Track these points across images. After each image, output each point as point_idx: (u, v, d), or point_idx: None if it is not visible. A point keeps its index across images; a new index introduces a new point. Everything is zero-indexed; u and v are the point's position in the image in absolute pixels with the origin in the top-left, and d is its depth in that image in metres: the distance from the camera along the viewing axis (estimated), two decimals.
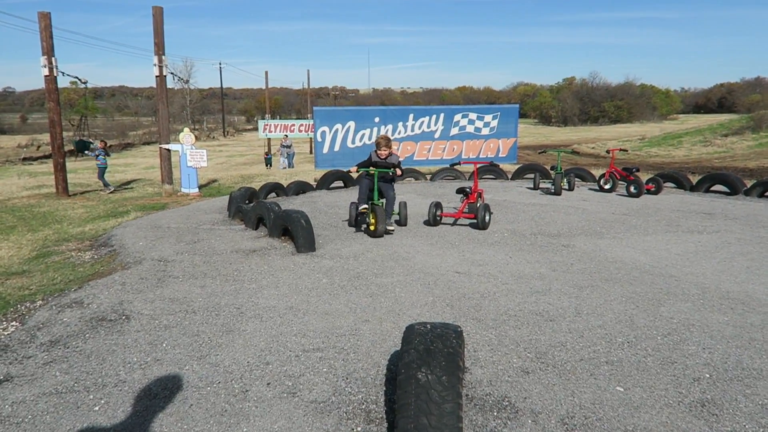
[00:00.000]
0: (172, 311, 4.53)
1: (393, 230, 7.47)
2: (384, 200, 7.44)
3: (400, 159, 7.99)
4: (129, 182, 19.06)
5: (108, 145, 16.90)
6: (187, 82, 63.33)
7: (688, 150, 33.04)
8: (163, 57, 13.26)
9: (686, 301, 4.66)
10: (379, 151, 7.38)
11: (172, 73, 17.59)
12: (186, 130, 14.16)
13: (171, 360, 3.63)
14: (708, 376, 3.33)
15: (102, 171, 15.78)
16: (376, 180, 7.34)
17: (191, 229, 8.08)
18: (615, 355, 3.63)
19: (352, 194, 11.57)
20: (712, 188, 11.51)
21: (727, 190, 11.14)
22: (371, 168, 7.40)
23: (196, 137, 15.95)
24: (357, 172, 7.58)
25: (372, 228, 7.16)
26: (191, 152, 13.55)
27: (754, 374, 3.35)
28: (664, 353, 3.65)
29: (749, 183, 11.14)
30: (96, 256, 6.82)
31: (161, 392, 3.21)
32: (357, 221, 7.72)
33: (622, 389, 3.18)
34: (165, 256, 6.39)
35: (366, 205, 7.43)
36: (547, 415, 2.92)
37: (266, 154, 29.43)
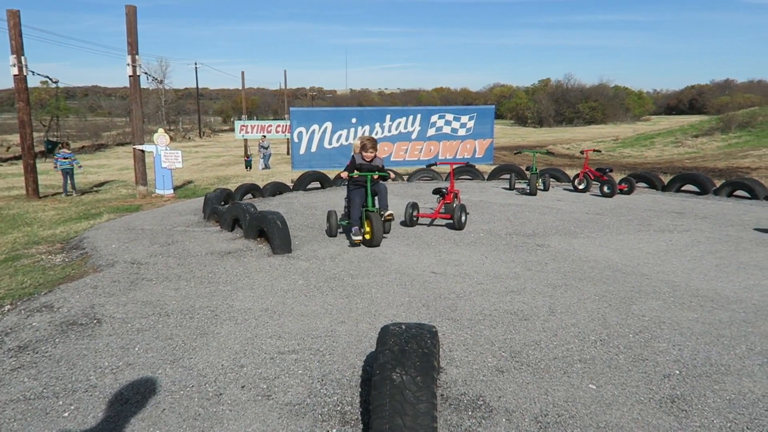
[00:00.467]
0: (145, 314, 4.46)
1: (391, 213, 6.86)
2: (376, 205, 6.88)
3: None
4: (102, 184, 18.75)
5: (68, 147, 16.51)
6: (161, 82, 62.52)
7: (660, 150, 33.68)
8: (137, 56, 13.07)
9: (657, 299, 4.74)
10: (365, 154, 6.90)
11: (146, 73, 17.35)
12: (160, 130, 13.98)
13: (143, 364, 3.57)
14: (678, 372, 3.40)
15: (70, 173, 15.48)
16: (369, 185, 6.75)
17: (165, 230, 7.97)
18: (588, 353, 3.68)
19: (329, 195, 11.55)
20: (683, 188, 11.75)
21: (698, 190, 11.39)
22: (356, 172, 6.80)
23: (171, 138, 15.75)
24: (348, 177, 6.85)
25: (368, 237, 6.65)
26: (166, 153, 13.37)
27: (722, 370, 3.42)
28: (635, 350, 3.71)
29: (718, 183, 11.39)
30: (67, 259, 6.68)
31: (133, 397, 3.16)
32: (342, 229, 7.32)
33: (594, 387, 3.22)
34: (138, 258, 6.30)
35: (360, 237, 6.72)
36: (521, 413, 2.95)
37: (247, 156, 29.28)
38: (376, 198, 6.86)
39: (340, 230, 7.45)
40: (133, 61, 13.02)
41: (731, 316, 4.34)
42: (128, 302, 4.76)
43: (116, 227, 8.37)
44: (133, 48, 12.98)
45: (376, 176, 6.75)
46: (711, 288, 5.05)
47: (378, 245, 6.61)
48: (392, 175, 7.12)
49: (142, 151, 13.58)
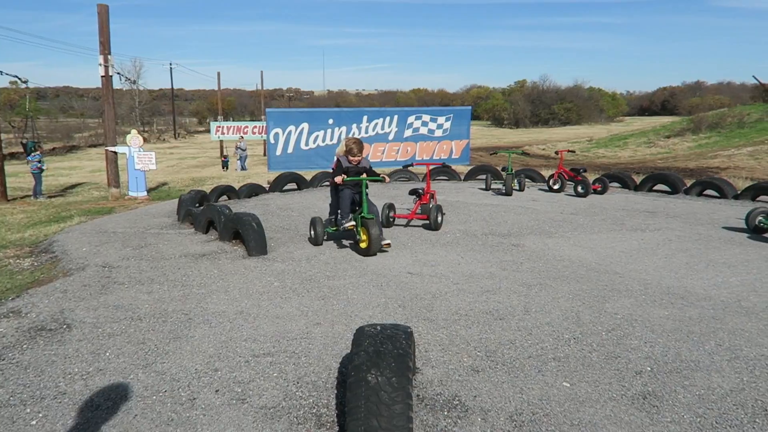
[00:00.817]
0: (116, 319, 4.38)
1: (389, 243, 6.50)
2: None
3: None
4: (73, 186, 18.40)
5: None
6: (134, 82, 61.53)
7: (633, 151, 34.26)
8: (109, 56, 12.85)
9: (629, 297, 4.81)
10: (352, 158, 6.53)
11: (118, 73, 17.07)
12: (133, 132, 13.77)
13: (115, 369, 3.51)
14: (649, 369, 3.45)
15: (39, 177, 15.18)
16: (364, 190, 6.38)
17: (138, 233, 7.85)
18: (562, 351, 3.72)
19: (306, 197, 11.49)
20: (655, 188, 11.96)
21: (669, 190, 11.60)
22: (344, 175, 6.46)
23: (145, 139, 15.53)
24: (343, 182, 6.39)
25: (363, 245, 6.23)
26: (139, 155, 13.18)
27: (692, 366, 3.49)
28: (608, 348, 3.76)
29: (689, 182, 11.62)
30: (36, 263, 6.53)
31: (104, 403, 3.10)
32: (331, 236, 6.97)
33: (568, 384, 3.26)
34: (110, 261, 6.19)
35: (353, 221, 6.41)
36: (497, 412, 2.96)
37: (224, 157, 29.02)
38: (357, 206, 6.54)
39: (326, 238, 7.09)
40: (105, 61, 12.80)
41: (701, 313, 4.43)
42: (99, 306, 4.67)
43: (87, 230, 8.21)
44: (105, 48, 12.76)
45: (347, 179, 6.42)
46: (681, 286, 5.15)
47: (374, 255, 6.20)
48: (387, 179, 6.79)
49: (115, 153, 13.36)
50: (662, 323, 4.20)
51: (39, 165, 14.91)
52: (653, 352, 3.70)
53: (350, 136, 7.45)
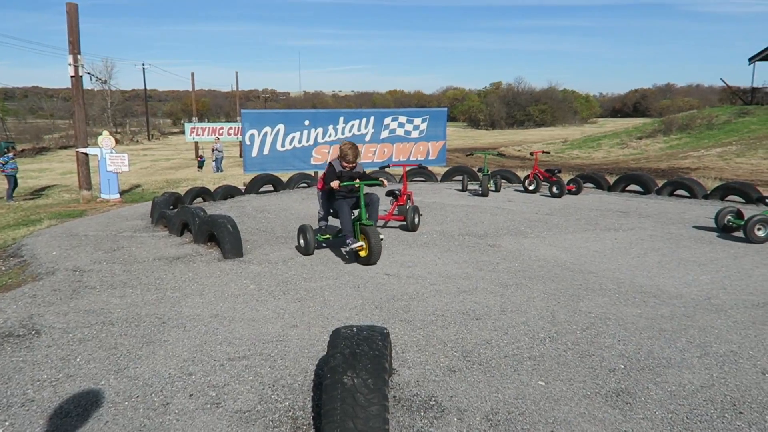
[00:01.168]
0: (87, 324, 4.29)
1: (381, 238, 6.00)
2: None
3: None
4: (43, 189, 18.00)
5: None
6: (105, 82, 60.52)
7: (607, 152, 34.79)
8: (79, 56, 12.60)
9: (603, 296, 4.88)
10: (346, 164, 6.18)
11: (89, 74, 16.76)
12: (105, 133, 13.53)
13: (85, 375, 3.43)
14: (622, 366, 3.50)
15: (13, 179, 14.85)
16: (362, 195, 6.06)
17: (111, 236, 7.70)
18: (537, 350, 3.75)
19: (282, 199, 11.42)
20: (628, 188, 12.16)
21: (641, 190, 11.81)
22: (345, 182, 6.08)
23: (117, 141, 15.27)
24: (339, 187, 6.04)
25: (363, 254, 5.90)
26: (111, 156, 12.95)
27: (664, 363, 3.55)
28: (582, 347, 3.80)
29: (660, 183, 11.84)
30: (3, 268, 6.36)
31: (74, 410, 3.03)
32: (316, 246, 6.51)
33: (543, 383, 3.29)
34: (81, 265, 6.06)
35: (361, 243, 5.88)
36: (473, 412, 2.97)
37: (200, 157, 28.71)
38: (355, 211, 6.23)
39: (316, 246, 6.66)
40: (75, 61, 12.55)
41: (672, 310, 4.51)
42: (69, 311, 4.57)
43: (58, 233, 8.04)
44: (74, 47, 12.51)
45: (357, 184, 6.10)
46: (653, 284, 5.23)
47: (375, 263, 5.92)
48: (385, 183, 6.53)
49: (86, 155, 13.10)
50: (635, 321, 4.27)
51: (15, 167, 14.66)
52: (626, 349, 3.75)
53: (345, 140, 6.96)
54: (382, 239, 6.01)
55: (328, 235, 6.50)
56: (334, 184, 6.00)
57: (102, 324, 4.28)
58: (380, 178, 6.55)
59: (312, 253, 6.41)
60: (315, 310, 4.55)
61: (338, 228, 6.26)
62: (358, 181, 6.12)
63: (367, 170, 14.92)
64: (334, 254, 6.41)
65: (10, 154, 15.33)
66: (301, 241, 6.46)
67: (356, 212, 6.24)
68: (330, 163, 6.30)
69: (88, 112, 14.32)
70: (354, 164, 6.24)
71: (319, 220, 6.62)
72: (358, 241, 5.91)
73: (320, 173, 14.18)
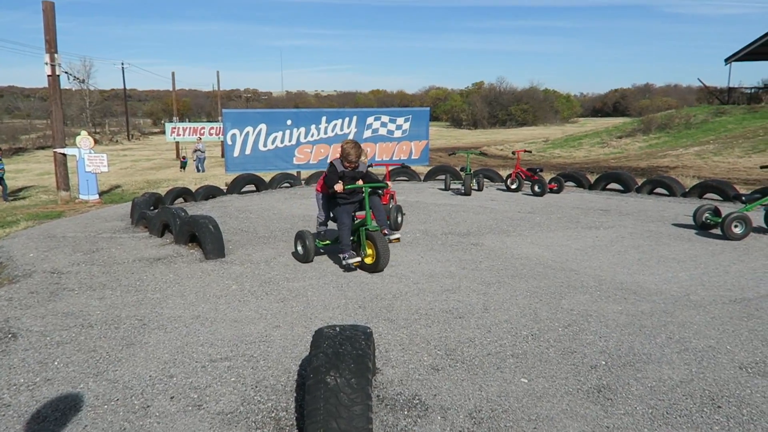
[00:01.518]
0: (65, 326, 4.22)
1: (398, 238, 5.92)
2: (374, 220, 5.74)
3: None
4: (20, 189, 17.70)
5: None
6: (83, 81, 59.64)
7: (588, 151, 35.14)
8: (56, 55, 12.39)
9: (585, 293, 4.92)
10: (348, 163, 5.80)
11: (66, 73, 16.51)
12: (83, 133, 13.32)
13: (64, 379, 3.37)
14: (604, 363, 3.54)
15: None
16: (367, 199, 5.68)
17: (90, 238, 7.59)
18: (520, 347, 3.77)
19: (265, 199, 11.35)
20: (608, 186, 12.29)
21: (621, 188, 11.94)
22: (341, 183, 5.68)
23: (96, 141, 15.04)
24: (343, 190, 5.64)
25: (370, 261, 5.55)
26: (90, 156, 12.76)
27: (644, 359, 3.59)
28: (564, 344, 3.83)
29: (640, 181, 11.99)
30: None
31: (52, 414, 2.97)
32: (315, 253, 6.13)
33: (526, 380, 3.30)
34: (59, 267, 5.96)
35: (358, 258, 5.60)
36: (456, 410, 2.98)
37: (183, 158, 28.48)
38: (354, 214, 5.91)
39: (315, 253, 6.23)
40: (52, 60, 12.34)
41: (652, 307, 4.56)
42: (47, 314, 4.49)
43: (35, 235, 7.90)
44: (51, 46, 12.30)
45: (360, 185, 5.74)
46: (634, 281, 5.29)
47: (382, 270, 5.58)
48: (390, 185, 6.09)
49: (64, 155, 12.89)
50: (616, 318, 4.31)
51: (2, 167, 14.50)
52: (607, 346, 3.79)
53: (348, 139, 6.41)
54: (398, 239, 5.84)
55: (328, 241, 6.14)
56: (338, 187, 5.60)
57: (81, 326, 4.21)
58: (385, 180, 6.08)
59: (312, 261, 6.06)
60: (298, 310, 4.52)
61: (365, 229, 5.73)
62: (361, 182, 5.77)
63: None
64: (318, 254, 6.38)
65: None
66: (299, 248, 6.08)
67: (360, 213, 5.93)
68: (331, 163, 5.92)
69: (65, 111, 14.11)
70: (356, 164, 5.86)
71: (319, 224, 6.24)
72: (356, 256, 5.61)
73: (303, 173, 14.15)
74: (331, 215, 5.98)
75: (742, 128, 29.83)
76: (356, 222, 5.83)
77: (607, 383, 3.26)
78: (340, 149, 5.85)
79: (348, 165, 5.81)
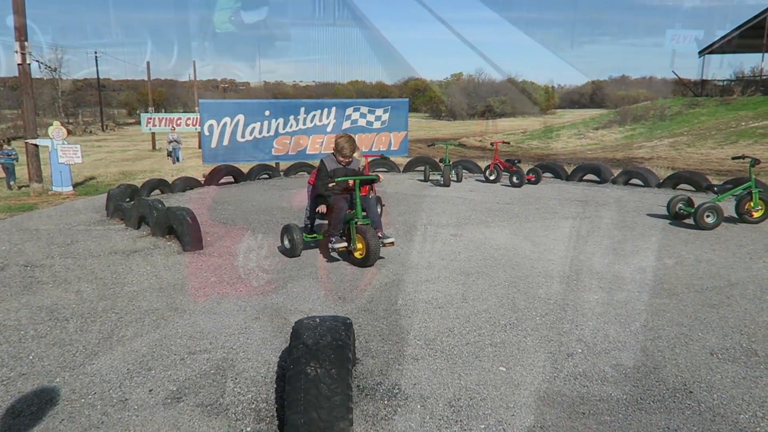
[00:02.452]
0: (40, 320, 4.15)
1: (393, 241, 5.68)
2: (365, 214, 5.66)
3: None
4: None
5: None
6: (55, 70, 58.29)
7: (565, 142, 35.49)
8: (26, 43, 12.09)
9: (562, 283, 4.99)
10: (341, 158, 5.73)
11: (37, 61, 16.15)
12: (56, 123, 13.04)
13: (39, 373, 3.32)
14: (580, 351, 3.60)
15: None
16: (357, 193, 5.62)
17: (64, 230, 7.46)
18: (498, 337, 3.82)
19: (243, 190, 11.26)
20: (585, 177, 12.44)
21: (598, 179, 12.10)
22: (337, 179, 5.61)
23: (69, 132, 14.75)
24: (335, 185, 5.61)
25: (359, 255, 5.49)
26: (63, 147, 12.50)
27: (619, 346, 3.66)
28: (542, 332, 3.89)
29: (616, 172, 12.16)
30: None
31: (27, 409, 2.93)
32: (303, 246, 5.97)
33: (504, 369, 3.35)
34: (33, 260, 5.85)
35: (344, 243, 5.54)
36: (436, 399, 3.01)
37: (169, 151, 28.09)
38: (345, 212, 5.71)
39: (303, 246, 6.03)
40: (22, 48, 12.03)
41: (627, 296, 4.65)
42: (21, 308, 4.42)
43: (7, 228, 7.74)
44: (21, 34, 11.99)
45: (351, 182, 5.64)
46: (610, 271, 5.38)
47: (372, 265, 5.49)
48: (381, 178, 6.12)
49: (36, 146, 12.62)
50: (592, 307, 4.38)
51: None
52: (584, 334, 3.85)
53: (341, 133, 6.23)
54: (392, 243, 5.64)
55: (315, 234, 6.04)
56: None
57: (56, 320, 4.15)
58: (376, 174, 6.07)
59: (299, 255, 5.92)
60: (277, 302, 4.51)
61: (355, 222, 5.61)
62: (351, 180, 5.64)
63: None
64: (307, 248, 6.35)
65: (8, 147, 14.99)
66: (286, 242, 5.94)
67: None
68: (322, 161, 5.82)
69: (37, 101, 13.80)
70: (350, 159, 5.77)
71: (306, 217, 6.16)
72: (343, 241, 5.55)
73: (281, 164, 14.06)
74: (318, 212, 5.79)
75: (715, 120, 30.40)
76: (347, 215, 5.70)
77: (584, 371, 3.32)
78: (333, 143, 5.75)
79: (342, 160, 5.73)
